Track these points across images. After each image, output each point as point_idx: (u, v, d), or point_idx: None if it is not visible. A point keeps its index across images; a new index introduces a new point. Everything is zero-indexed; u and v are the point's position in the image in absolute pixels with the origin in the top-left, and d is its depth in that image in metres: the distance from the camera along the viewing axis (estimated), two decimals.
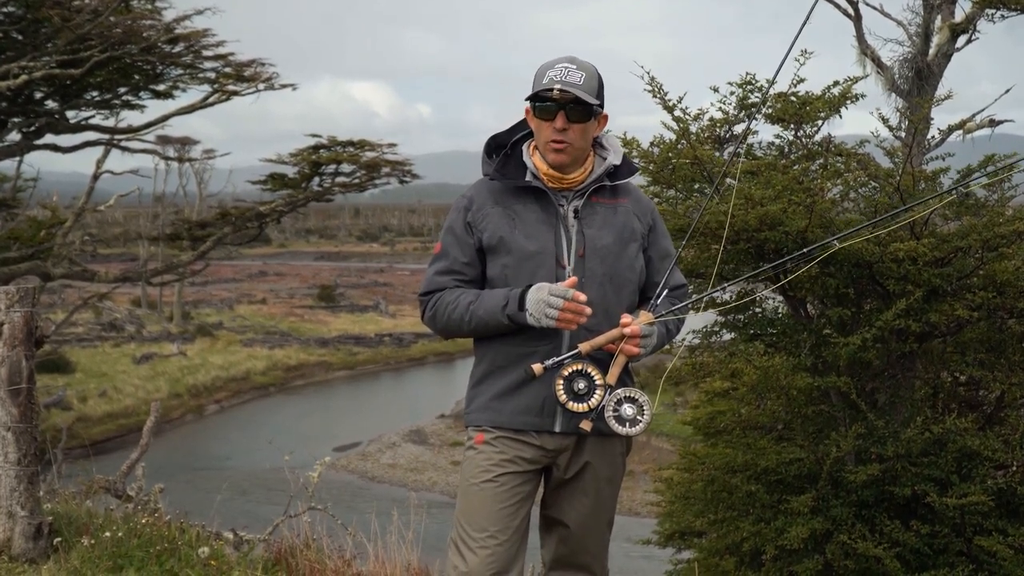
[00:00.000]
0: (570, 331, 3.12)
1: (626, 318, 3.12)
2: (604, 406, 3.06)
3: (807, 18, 3.55)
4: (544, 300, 3.02)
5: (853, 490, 6.43)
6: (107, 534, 4.67)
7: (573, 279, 3.05)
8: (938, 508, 6.12)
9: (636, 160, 7.35)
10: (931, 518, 6.27)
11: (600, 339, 3.10)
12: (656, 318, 3.19)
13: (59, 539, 4.72)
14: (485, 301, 3.13)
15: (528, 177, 3.22)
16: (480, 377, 3.27)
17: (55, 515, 5.02)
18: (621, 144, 7.20)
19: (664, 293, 3.28)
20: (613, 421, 3.06)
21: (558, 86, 3.09)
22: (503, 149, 3.31)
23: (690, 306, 3.41)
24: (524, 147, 3.30)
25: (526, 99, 3.20)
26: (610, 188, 3.28)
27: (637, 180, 7.44)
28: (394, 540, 5.23)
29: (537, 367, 3.04)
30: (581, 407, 3.05)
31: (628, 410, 3.08)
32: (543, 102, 3.14)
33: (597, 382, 3.07)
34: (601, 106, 3.20)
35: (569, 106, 3.12)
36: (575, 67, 3.14)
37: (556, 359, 3.07)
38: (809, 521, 6.32)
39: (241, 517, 7.29)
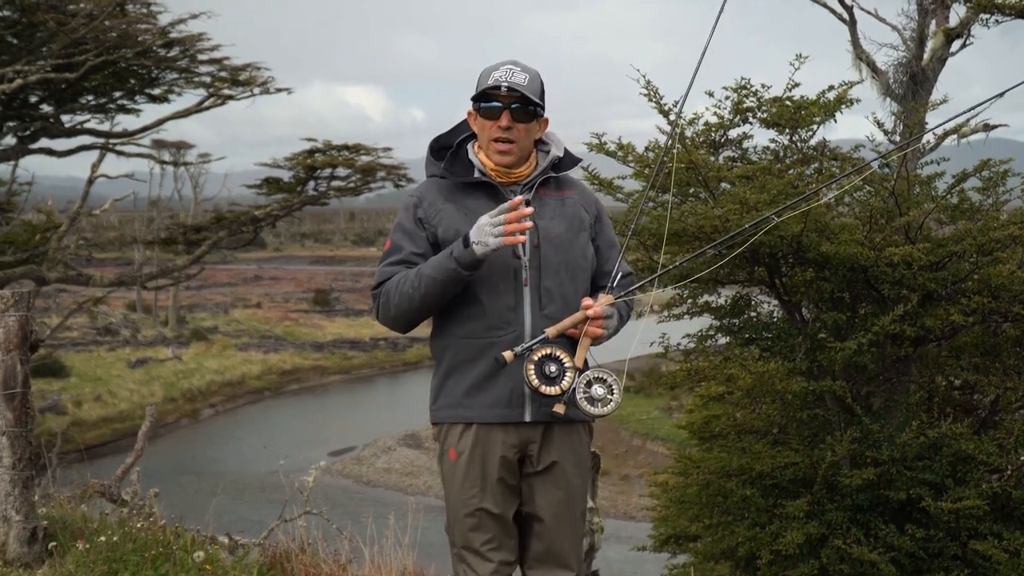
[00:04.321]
0: (532, 319, 3.19)
1: (587, 301, 3.19)
2: (575, 388, 3.09)
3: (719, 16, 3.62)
4: (485, 224, 3.07)
5: (848, 494, 6.43)
6: (102, 538, 4.66)
7: (520, 198, 3.08)
8: (933, 512, 6.12)
9: (631, 164, 7.35)
10: (926, 522, 6.28)
11: (565, 322, 3.15)
12: (616, 299, 3.25)
13: (54, 543, 4.71)
14: (432, 260, 3.18)
15: (476, 174, 3.30)
16: (445, 373, 3.30)
17: (50, 519, 5.02)
18: (616, 148, 7.25)
19: (618, 277, 3.33)
20: (584, 403, 3.10)
21: (505, 85, 3.17)
22: (448, 150, 3.38)
23: (648, 288, 3.46)
24: (469, 146, 3.38)
25: (471, 99, 3.28)
26: (555, 181, 3.37)
27: (632, 184, 7.46)
28: (390, 544, 5.23)
29: (508, 354, 3.08)
30: (553, 390, 3.08)
31: (598, 390, 3.12)
32: (488, 102, 3.22)
33: (567, 365, 3.11)
34: (543, 108, 3.28)
35: (514, 106, 3.20)
36: (519, 69, 3.23)
37: (525, 344, 3.11)
38: (804, 525, 6.33)
39: (236, 521, 7.27)
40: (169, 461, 27.19)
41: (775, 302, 7.28)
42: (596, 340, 3.21)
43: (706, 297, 7.37)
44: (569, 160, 3.40)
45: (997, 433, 6.53)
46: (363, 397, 40.97)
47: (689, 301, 7.39)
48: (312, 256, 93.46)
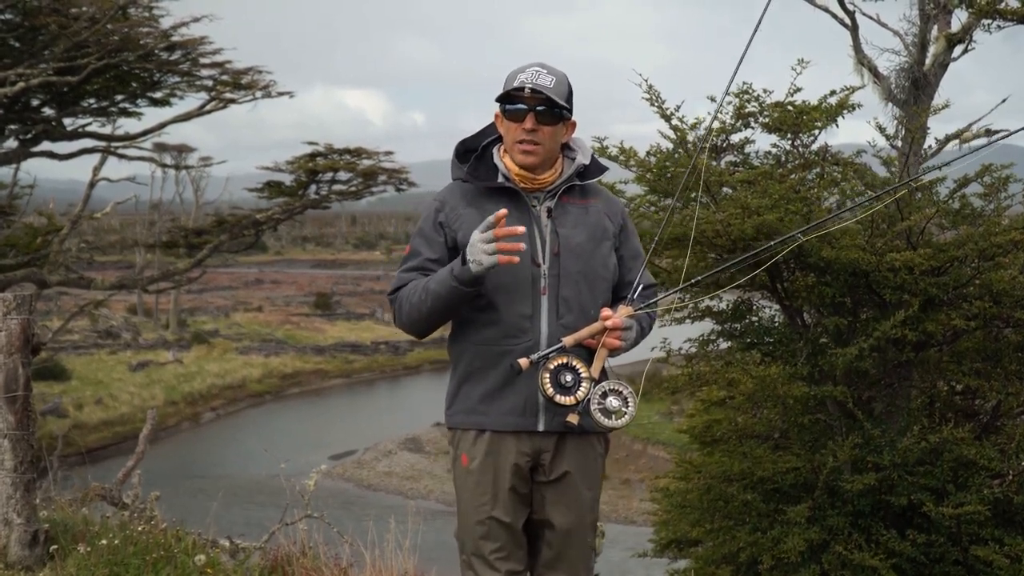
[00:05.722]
0: (549, 328, 3.16)
1: (606, 311, 3.15)
2: (590, 399, 3.07)
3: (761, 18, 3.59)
4: (476, 240, 3.03)
5: (849, 499, 6.43)
6: (103, 542, 4.66)
7: (502, 211, 3.03)
8: (934, 517, 6.12)
9: (633, 168, 7.35)
10: (927, 527, 6.27)
11: (583, 332, 3.12)
12: (635, 310, 3.22)
13: (55, 547, 4.71)
14: (437, 274, 3.15)
15: (500, 179, 3.27)
16: (461, 379, 3.29)
17: (51, 522, 5.01)
18: (618, 152, 7.26)
19: (639, 289, 3.29)
20: (599, 414, 3.07)
21: (530, 87, 3.14)
22: (472, 153, 3.35)
23: (671, 299, 3.43)
24: (494, 150, 3.34)
25: (496, 100, 3.25)
26: (580, 189, 3.33)
27: (634, 188, 7.47)
28: (391, 548, 5.22)
29: (523, 361, 3.06)
30: (568, 400, 3.06)
31: (613, 402, 3.09)
32: (513, 103, 3.19)
33: (583, 375, 3.08)
34: (570, 112, 3.25)
35: (539, 108, 3.17)
36: (546, 71, 3.20)
37: (542, 352, 3.08)
38: (805, 531, 6.32)
39: (237, 525, 7.27)
40: (170, 464, 27.16)
41: (776, 307, 7.28)
42: (614, 352, 3.17)
43: (707, 302, 7.37)
44: (595, 168, 3.36)
45: (998, 438, 6.53)
46: (364, 401, 40.97)
47: (691, 305, 7.39)
48: (313, 260, 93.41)
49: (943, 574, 6.22)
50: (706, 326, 7.42)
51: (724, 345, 7.46)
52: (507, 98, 3.20)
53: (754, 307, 7.41)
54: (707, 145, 7.03)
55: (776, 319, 7.34)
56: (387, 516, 5.72)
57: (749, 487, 6.87)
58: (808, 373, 6.61)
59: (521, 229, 3.03)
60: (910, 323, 6.22)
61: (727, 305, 7.36)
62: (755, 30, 3.55)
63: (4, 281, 15.41)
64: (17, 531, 4.65)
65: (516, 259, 3.04)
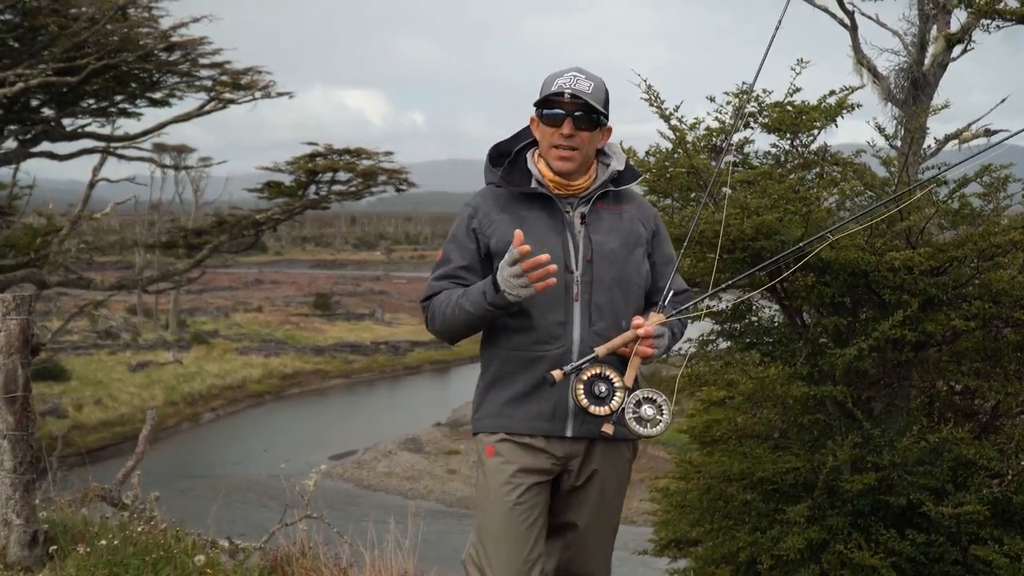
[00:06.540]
0: (581, 335, 3.15)
1: (638, 319, 3.13)
2: (624, 408, 3.05)
3: (780, 19, 3.57)
4: (508, 275, 3.00)
5: (849, 499, 6.43)
6: (103, 542, 4.66)
7: (518, 233, 2.99)
8: (934, 517, 6.12)
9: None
10: (927, 527, 6.27)
11: (615, 341, 3.10)
12: (667, 318, 3.20)
13: (55, 547, 4.71)
14: (470, 294, 3.13)
15: (534, 184, 3.25)
16: (489, 382, 3.27)
17: (51, 523, 5.01)
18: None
19: (670, 295, 3.29)
20: (634, 423, 3.05)
21: (568, 92, 3.13)
22: (506, 157, 3.33)
23: (701, 304, 3.43)
24: (528, 155, 3.32)
25: (534, 104, 3.23)
26: (614, 194, 3.31)
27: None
28: (390, 548, 5.22)
29: (557, 373, 3.03)
30: (603, 410, 3.04)
31: (648, 410, 3.07)
32: (551, 108, 3.17)
33: (616, 384, 3.06)
34: (607, 117, 3.23)
35: (577, 113, 3.15)
36: (584, 76, 3.18)
37: (575, 364, 3.06)
38: (805, 530, 6.32)
39: (237, 525, 7.28)
40: (170, 465, 27.19)
41: (776, 307, 7.27)
42: (646, 359, 3.16)
43: (707, 302, 7.35)
44: (629, 174, 3.35)
45: (998, 438, 6.53)
46: (364, 401, 40.99)
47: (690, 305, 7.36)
48: (313, 260, 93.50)
49: (943, 574, 6.22)
50: (705, 326, 7.41)
51: (724, 345, 7.45)
52: (545, 103, 3.18)
53: (753, 307, 7.40)
54: (730, 146, 7.02)
55: (775, 319, 7.33)
56: (387, 516, 5.72)
57: (749, 487, 6.87)
58: (808, 373, 6.60)
59: (546, 257, 2.98)
60: (909, 323, 6.22)
61: (726, 305, 7.35)
62: (777, 26, 3.55)
63: (4, 281, 15.42)
64: (16, 532, 4.66)
65: (552, 281, 3.00)
